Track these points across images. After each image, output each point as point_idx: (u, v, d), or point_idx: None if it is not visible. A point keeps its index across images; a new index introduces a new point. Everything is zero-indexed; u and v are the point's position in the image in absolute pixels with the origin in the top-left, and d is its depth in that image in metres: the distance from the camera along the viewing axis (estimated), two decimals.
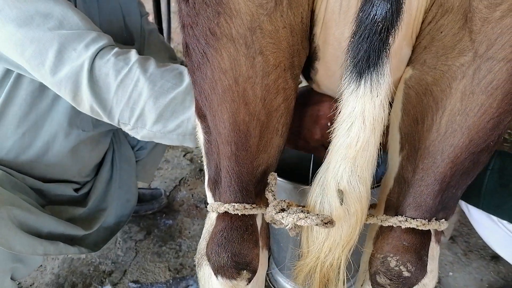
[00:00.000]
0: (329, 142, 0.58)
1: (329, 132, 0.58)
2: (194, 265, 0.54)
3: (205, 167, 0.54)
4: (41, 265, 1.08)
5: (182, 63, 0.94)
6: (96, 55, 0.59)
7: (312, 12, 0.45)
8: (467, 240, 1.20)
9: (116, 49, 0.61)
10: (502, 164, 0.59)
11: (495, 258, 1.13)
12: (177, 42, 2.19)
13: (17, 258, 0.68)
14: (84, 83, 0.58)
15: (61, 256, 1.10)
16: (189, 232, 1.19)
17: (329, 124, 0.58)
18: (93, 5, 0.75)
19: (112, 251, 1.12)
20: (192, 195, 1.37)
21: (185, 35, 0.46)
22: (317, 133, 0.58)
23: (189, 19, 0.44)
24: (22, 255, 0.68)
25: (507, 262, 1.09)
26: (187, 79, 0.61)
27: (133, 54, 0.61)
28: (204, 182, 0.55)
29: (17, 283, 1.02)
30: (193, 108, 0.59)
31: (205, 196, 0.56)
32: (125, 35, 0.84)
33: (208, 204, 0.53)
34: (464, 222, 1.27)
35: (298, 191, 0.65)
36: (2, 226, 0.61)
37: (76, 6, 0.71)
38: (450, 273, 1.09)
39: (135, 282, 1.03)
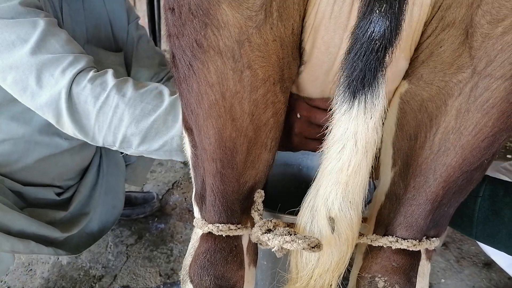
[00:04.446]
0: (312, 133, 0.54)
1: (306, 123, 0.55)
2: None
3: (192, 180, 0.52)
4: (31, 269, 1.06)
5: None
6: (73, 80, 0.58)
7: (302, 20, 0.43)
8: (459, 247, 1.20)
9: (91, 74, 0.59)
10: (492, 191, 0.57)
11: (487, 265, 1.13)
12: None
13: None
14: (64, 110, 0.58)
15: (51, 260, 1.09)
16: (181, 237, 1.18)
17: (298, 115, 0.56)
18: (79, 12, 0.73)
19: (103, 255, 1.11)
20: (185, 198, 1.35)
21: (171, 45, 0.44)
22: (294, 126, 0.56)
23: (175, 29, 0.42)
24: None
25: (499, 269, 1.09)
26: (167, 98, 0.60)
27: (110, 78, 0.60)
28: (192, 194, 0.53)
29: (7, 287, 1.00)
30: (176, 127, 0.58)
31: None
32: (112, 42, 0.82)
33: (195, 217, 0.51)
34: None
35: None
36: None
37: (62, 13, 0.69)
38: (442, 280, 1.09)
39: (125, 287, 1.02)
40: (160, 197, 1.34)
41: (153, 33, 1.43)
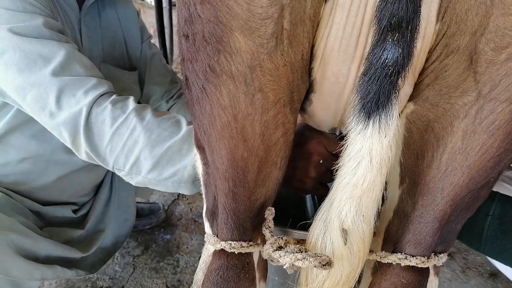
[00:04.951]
0: (326, 179, 0.57)
1: (323, 169, 0.57)
2: (192, 282, 0.53)
3: (203, 196, 0.54)
4: None
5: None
6: (94, 102, 0.59)
7: (312, 47, 0.45)
8: (465, 257, 1.19)
9: (113, 97, 0.61)
10: (502, 210, 0.58)
11: (493, 275, 1.12)
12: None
13: (14, 284, 0.68)
14: (81, 128, 0.59)
15: None
16: (187, 248, 1.19)
17: (321, 161, 0.58)
18: (96, 31, 0.75)
19: (110, 267, 1.11)
20: (190, 209, 1.36)
21: (185, 68, 0.45)
22: (311, 171, 0.58)
23: (189, 54, 0.43)
24: (19, 280, 0.68)
25: (505, 279, 1.09)
26: (184, 127, 0.61)
27: (131, 102, 0.61)
28: (203, 211, 0.54)
29: None
30: (190, 156, 0.59)
31: None
32: (126, 60, 0.84)
33: (206, 232, 0.52)
34: None
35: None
36: (0, 252, 0.61)
37: (81, 34, 0.71)
38: None
39: None
40: (166, 207, 1.35)
41: (163, 46, 1.45)
